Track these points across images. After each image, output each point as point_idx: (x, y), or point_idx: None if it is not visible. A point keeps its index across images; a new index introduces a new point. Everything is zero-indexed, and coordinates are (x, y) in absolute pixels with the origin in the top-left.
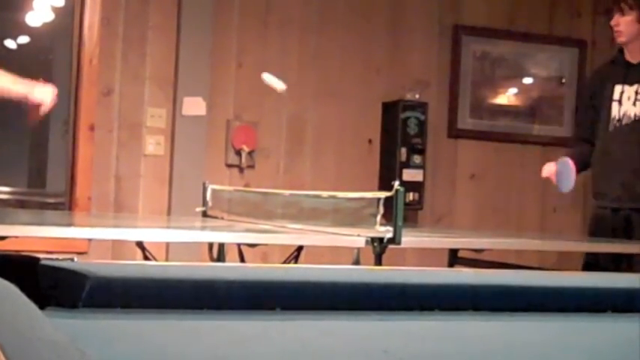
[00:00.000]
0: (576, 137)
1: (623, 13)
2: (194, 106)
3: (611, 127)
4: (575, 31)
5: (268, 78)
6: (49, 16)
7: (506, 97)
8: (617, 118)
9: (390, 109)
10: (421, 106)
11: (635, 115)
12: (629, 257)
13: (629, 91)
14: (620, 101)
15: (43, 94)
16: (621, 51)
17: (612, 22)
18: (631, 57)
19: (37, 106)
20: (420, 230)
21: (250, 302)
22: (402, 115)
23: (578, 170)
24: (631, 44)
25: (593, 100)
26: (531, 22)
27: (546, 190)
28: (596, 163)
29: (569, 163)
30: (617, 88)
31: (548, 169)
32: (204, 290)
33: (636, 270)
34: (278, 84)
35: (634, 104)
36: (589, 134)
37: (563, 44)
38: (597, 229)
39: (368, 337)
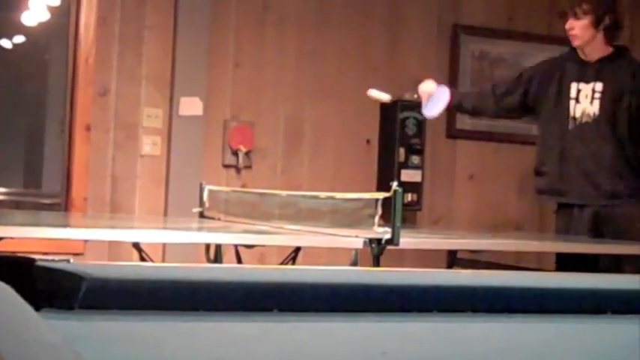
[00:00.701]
0: (489, 85)
1: (577, 17)
2: (191, 106)
3: (570, 126)
4: None
5: (374, 93)
6: (45, 16)
7: None
8: (576, 116)
9: (389, 109)
10: (419, 106)
11: (594, 114)
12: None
13: (587, 89)
14: (577, 99)
15: None
16: (574, 49)
17: (567, 26)
18: (588, 57)
19: None
20: (419, 231)
21: (247, 304)
22: (401, 115)
23: (451, 104)
24: (587, 47)
25: (529, 83)
26: (531, 21)
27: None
28: (554, 161)
29: (446, 94)
30: (574, 86)
31: (428, 88)
32: (200, 292)
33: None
34: (384, 96)
35: (591, 103)
36: (497, 91)
37: (563, 44)
38: (568, 227)
39: (366, 338)
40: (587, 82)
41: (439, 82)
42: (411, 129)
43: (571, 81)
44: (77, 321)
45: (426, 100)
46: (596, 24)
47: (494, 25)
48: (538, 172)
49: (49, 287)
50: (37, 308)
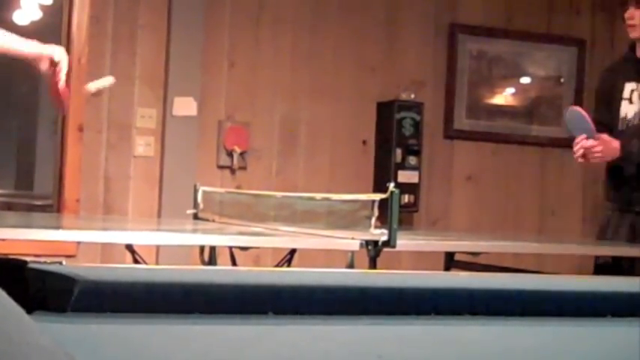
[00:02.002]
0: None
1: (639, 6)
2: (185, 106)
3: (621, 127)
4: (573, 29)
5: (95, 85)
6: (37, 15)
7: (504, 97)
8: (627, 117)
9: (385, 110)
10: (417, 106)
11: None
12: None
13: None
14: (630, 99)
15: (57, 52)
16: (632, 48)
17: (627, 15)
18: None
19: (55, 76)
20: (416, 233)
21: (242, 306)
22: (397, 116)
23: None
24: None
25: (606, 98)
26: (529, 20)
27: (544, 192)
28: (612, 167)
29: (578, 109)
30: (628, 86)
31: (581, 145)
32: (195, 294)
33: None
34: (105, 81)
35: None
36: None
37: (562, 43)
38: (607, 231)
39: (362, 342)
40: None
41: (435, 81)
42: (407, 129)
43: (625, 80)
44: (70, 324)
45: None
46: None
47: (493, 24)
48: (606, 178)
49: (41, 290)
50: (29, 311)
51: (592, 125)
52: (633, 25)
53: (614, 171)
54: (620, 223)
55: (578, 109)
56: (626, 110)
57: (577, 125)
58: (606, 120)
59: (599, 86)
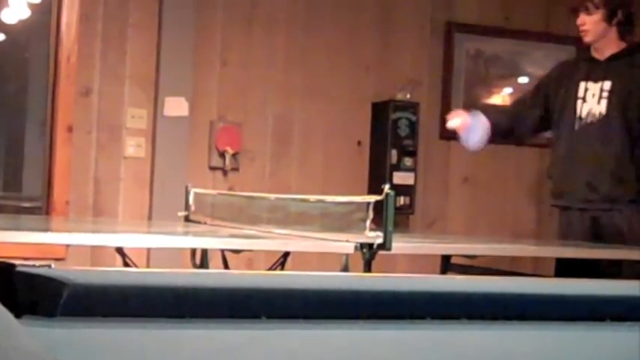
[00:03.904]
0: (511, 104)
1: (588, 11)
2: (176, 106)
3: (576, 126)
4: (572, 28)
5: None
6: (25, 13)
7: (501, 97)
8: (582, 116)
9: (380, 110)
10: (412, 107)
11: (599, 114)
12: (616, 262)
13: (594, 88)
14: (584, 99)
15: None
16: (588, 47)
17: (578, 22)
18: (599, 55)
19: None
20: (411, 236)
21: (234, 311)
22: (393, 116)
23: (492, 127)
24: (598, 43)
25: (547, 94)
26: (527, 19)
27: (543, 193)
28: (559, 163)
29: (482, 118)
30: (582, 85)
31: (459, 121)
32: (186, 298)
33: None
34: None
35: (598, 102)
36: (523, 109)
37: (560, 42)
38: (568, 231)
39: (357, 346)
40: (595, 80)
41: (432, 81)
42: (403, 130)
43: (580, 80)
44: (59, 328)
45: (463, 132)
46: (608, 19)
47: (490, 22)
48: (548, 175)
49: (29, 293)
50: (18, 315)
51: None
52: (586, 31)
53: None
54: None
55: (481, 116)
56: (581, 109)
57: (474, 131)
58: (533, 102)
59: (548, 75)
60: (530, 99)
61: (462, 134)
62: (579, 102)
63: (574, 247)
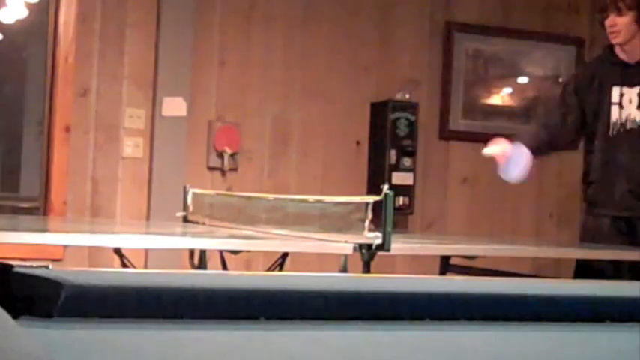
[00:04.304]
0: (541, 122)
1: (620, 12)
2: (174, 106)
3: (612, 132)
4: (572, 28)
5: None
6: (23, 13)
7: (501, 97)
8: (619, 122)
9: (379, 110)
10: (411, 107)
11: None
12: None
13: (630, 93)
14: (620, 104)
15: None
16: (611, 49)
17: (608, 23)
18: (628, 57)
19: None
20: (411, 236)
21: (233, 311)
22: (392, 116)
23: (534, 157)
24: (628, 45)
25: (578, 96)
26: (527, 18)
27: (542, 194)
28: (596, 170)
29: (527, 155)
30: (616, 90)
31: (501, 149)
32: (184, 299)
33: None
34: None
35: (638, 107)
36: (555, 123)
37: (560, 42)
38: (593, 237)
39: (356, 347)
40: (630, 85)
41: (431, 81)
42: (402, 130)
43: (613, 84)
44: (56, 329)
45: (502, 161)
46: None
47: (489, 22)
48: (583, 182)
49: (27, 294)
50: (15, 316)
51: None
52: (616, 32)
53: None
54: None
55: (526, 152)
56: (617, 115)
57: (516, 165)
58: (567, 113)
59: (574, 81)
60: (560, 107)
61: (500, 164)
62: (614, 107)
63: (572, 249)
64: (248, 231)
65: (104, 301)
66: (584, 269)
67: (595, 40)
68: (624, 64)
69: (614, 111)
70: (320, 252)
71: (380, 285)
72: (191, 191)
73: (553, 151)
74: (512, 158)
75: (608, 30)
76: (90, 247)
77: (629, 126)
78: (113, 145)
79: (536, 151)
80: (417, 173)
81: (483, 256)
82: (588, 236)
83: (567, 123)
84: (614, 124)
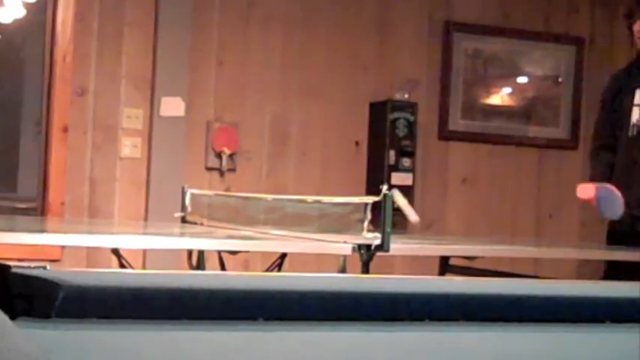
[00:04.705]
0: (597, 146)
1: None
2: (172, 106)
3: (631, 133)
4: (572, 27)
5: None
6: (21, 12)
7: (500, 97)
8: (638, 124)
9: (378, 110)
10: (410, 107)
11: None
12: None
13: None
14: None
15: None
16: (638, 54)
17: (636, 27)
18: None
19: None
20: (410, 237)
21: (231, 312)
22: (391, 116)
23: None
24: None
25: (612, 104)
26: (526, 18)
27: (542, 194)
28: (619, 171)
29: (612, 190)
30: (638, 93)
31: (587, 192)
32: (182, 300)
33: None
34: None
35: None
36: (611, 141)
37: (560, 41)
38: (618, 239)
39: (354, 348)
40: None
41: (430, 81)
42: (401, 130)
43: (636, 87)
44: (54, 330)
45: (594, 202)
46: None
47: (489, 21)
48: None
49: (24, 295)
50: (13, 317)
51: (621, 204)
52: None
53: None
54: None
55: (611, 189)
56: (637, 117)
57: (609, 202)
58: (611, 125)
59: (606, 93)
60: (605, 119)
61: (595, 204)
62: (636, 109)
63: (572, 249)
64: (246, 231)
65: (102, 302)
66: (614, 271)
67: (595, 39)
68: None
69: (635, 112)
70: (319, 252)
71: (379, 286)
72: (189, 192)
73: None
74: (604, 198)
75: (636, 35)
76: (88, 248)
77: None
78: (111, 145)
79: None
80: (416, 173)
81: (483, 257)
82: (614, 238)
83: (614, 132)
84: (634, 125)
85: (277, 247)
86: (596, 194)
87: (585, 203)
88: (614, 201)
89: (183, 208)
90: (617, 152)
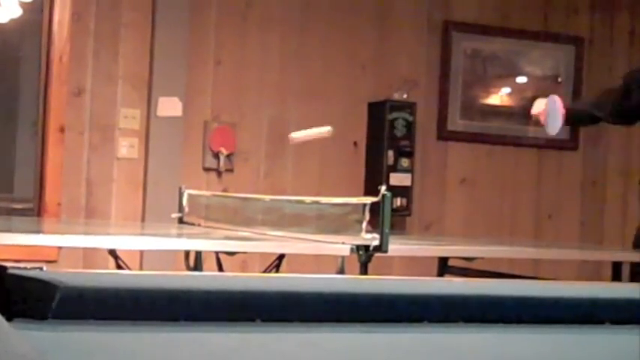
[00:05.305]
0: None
1: None
2: (170, 106)
3: None
4: (571, 27)
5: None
6: (17, 12)
7: (499, 97)
8: None
9: (377, 110)
10: (409, 107)
11: None
12: None
13: None
14: None
15: None
16: None
17: None
18: None
19: None
20: (408, 238)
21: (229, 313)
22: (389, 116)
23: (568, 119)
24: None
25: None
26: (525, 17)
27: (541, 195)
28: None
29: (558, 102)
30: None
31: (538, 107)
32: (180, 301)
33: None
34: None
35: None
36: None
37: (559, 41)
38: None
39: (353, 350)
40: None
41: (429, 81)
42: (400, 130)
43: None
44: (51, 331)
45: (544, 119)
46: None
47: (488, 21)
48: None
49: (21, 296)
50: (9, 318)
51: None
52: None
53: None
54: None
55: (557, 100)
56: None
57: (552, 115)
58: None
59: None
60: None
61: (544, 121)
62: None
63: (571, 250)
64: (244, 232)
65: (99, 303)
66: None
67: (594, 39)
68: None
69: None
70: (317, 253)
71: (377, 287)
72: (187, 192)
73: (593, 118)
74: (550, 111)
75: None
76: (84, 249)
77: None
78: (108, 145)
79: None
80: (415, 174)
81: (482, 258)
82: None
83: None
84: None
85: (275, 248)
86: (546, 108)
87: (536, 118)
88: (556, 115)
89: (181, 208)
90: None
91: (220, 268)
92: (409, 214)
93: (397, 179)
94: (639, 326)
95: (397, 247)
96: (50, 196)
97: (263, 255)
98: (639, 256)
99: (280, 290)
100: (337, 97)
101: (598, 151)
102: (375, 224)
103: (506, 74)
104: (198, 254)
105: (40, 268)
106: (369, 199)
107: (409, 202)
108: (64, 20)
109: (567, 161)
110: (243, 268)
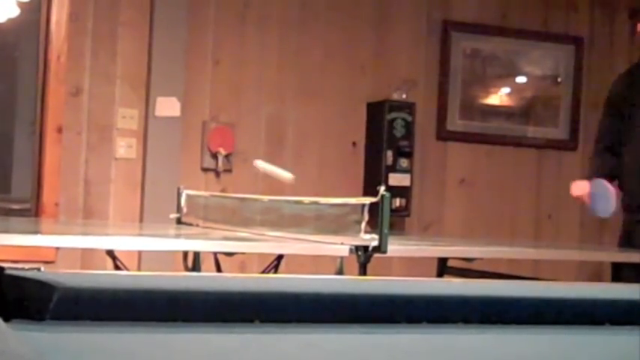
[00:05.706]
0: (600, 148)
1: None
2: (168, 106)
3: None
4: (571, 27)
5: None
6: (15, 12)
7: (499, 97)
8: None
9: (376, 110)
10: (408, 107)
11: None
12: None
13: None
14: None
15: None
16: None
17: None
18: None
19: None
20: (407, 238)
21: (227, 314)
22: (388, 116)
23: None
24: None
25: (618, 107)
26: (525, 17)
27: (541, 195)
28: (631, 174)
29: (607, 186)
30: None
31: (581, 188)
32: (178, 302)
33: None
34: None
35: None
36: (614, 143)
37: (559, 41)
38: (629, 242)
39: (352, 351)
40: None
41: (428, 81)
42: (399, 130)
43: None
44: (48, 332)
45: (588, 199)
46: None
47: (487, 21)
48: (621, 188)
49: (18, 297)
50: (7, 319)
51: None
52: None
53: None
54: None
55: (605, 184)
56: None
57: (601, 199)
58: (617, 127)
59: (612, 93)
60: (610, 124)
61: (588, 202)
62: None
63: (571, 250)
64: (243, 233)
65: (97, 304)
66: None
67: (594, 38)
68: None
69: None
70: (315, 254)
71: (376, 288)
72: (185, 192)
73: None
74: (597, 194)
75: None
76: (82, 249)
77: None
78: (106, 145)
79: (613, 177)
80: (414, 174)
81: (481, 259)
82: (625, 241)
83: (620, 136)
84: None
85: (274, 248)
86: (590, 191)
87: (579, 200)
88: (608, 198)
89: (179, 209)
90: (626, 156)
91: (219, 269)
92: (408, 215)
93: (396, 179)
94: (639, 327)
95: (396, 247)
96: (48, 196)
97: (261, 255)
98: (639, 256)
99: (279, 291)
100: (336, 97)
101: None
102: (374, 225)
103: (506, 74)
104: (197, 255)
105: (38, 269)
106: (368, 200)
107: (408, 202)
108: (62, 20)
109: (567, 161)
110: (242, 268)
